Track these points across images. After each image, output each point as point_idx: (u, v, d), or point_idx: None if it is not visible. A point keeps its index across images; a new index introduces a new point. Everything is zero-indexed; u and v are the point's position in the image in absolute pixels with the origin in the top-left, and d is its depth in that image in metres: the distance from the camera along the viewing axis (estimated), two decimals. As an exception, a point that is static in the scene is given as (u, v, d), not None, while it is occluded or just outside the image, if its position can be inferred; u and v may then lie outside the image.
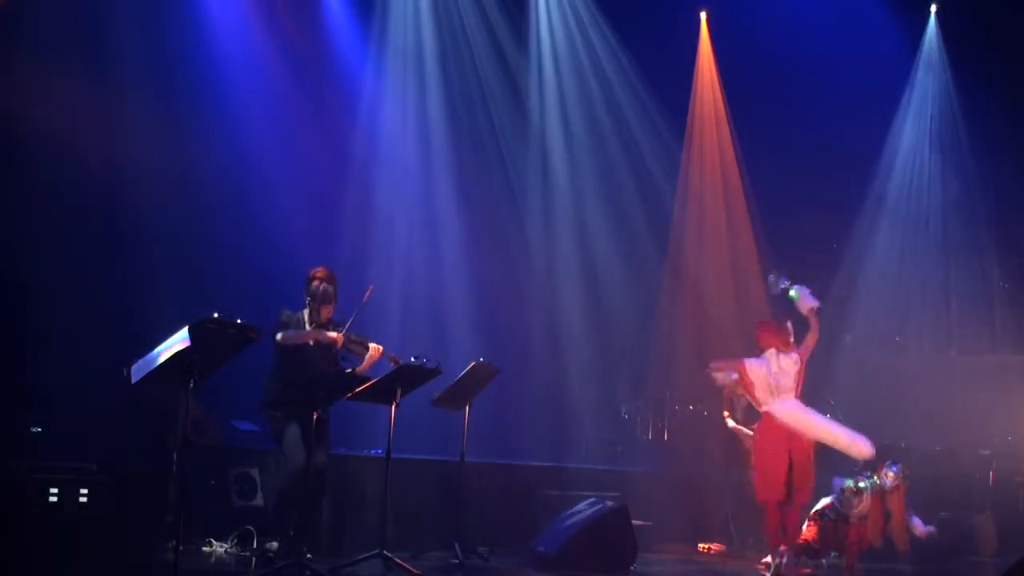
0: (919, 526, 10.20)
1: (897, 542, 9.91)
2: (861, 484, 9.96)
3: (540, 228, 12.86)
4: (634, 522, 9.30)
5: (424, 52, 12.29)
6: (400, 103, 12.18)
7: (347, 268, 10.06)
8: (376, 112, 12.06)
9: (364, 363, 8.25)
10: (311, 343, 8.14)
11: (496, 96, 12.58)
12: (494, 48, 12.57)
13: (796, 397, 9.02)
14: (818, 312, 9.15)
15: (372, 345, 8.27)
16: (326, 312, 8.29)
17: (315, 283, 8.26)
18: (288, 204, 10.71)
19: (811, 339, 9.17)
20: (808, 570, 9.27)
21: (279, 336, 8.09)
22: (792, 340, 9.12)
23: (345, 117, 11.75)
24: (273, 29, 11.04)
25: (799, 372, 9.07)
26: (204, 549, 8.49)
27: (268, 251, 10.44)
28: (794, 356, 9.11)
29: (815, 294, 9.23)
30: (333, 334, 8.12)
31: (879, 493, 9.88)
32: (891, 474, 9.81)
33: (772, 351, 9.12)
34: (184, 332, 6.14)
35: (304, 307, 8.25)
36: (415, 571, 7.87)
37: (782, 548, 8.96)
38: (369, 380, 8.04)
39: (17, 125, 9.13)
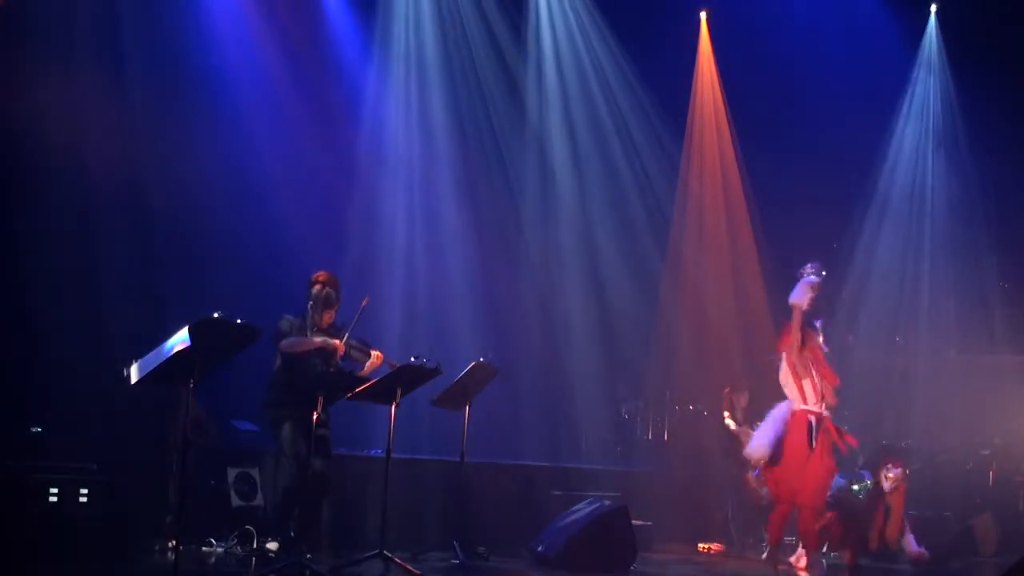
0: (912, 544, 10.18)
1: (890, 542, 9.90)
2: (855, 487, 9.96)
3: (541, 228, 12.85)
4: (634, 522, 9.30)
5: (425, 54, 12.28)
6: (403, 105, 12.16)
7: (349, 268, 10.09)
8: (379, 113, 12.05)
9: (365, 369, 8.26)
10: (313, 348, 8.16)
11: (496, 97, 12.56)
12: (494, 48, 12.56)
13: (804, 397, 8.93)
14: (799, 310, 8.90)
15: (373, 352, 8.28)
16: (328, 317, 8.29)
17: (317, 287, 8.25)
18: (290, 204, 10.70)
19: (784, 335, 9.03)
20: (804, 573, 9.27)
21: (281, 345, 8.09)
22: (819, 341, 8.97)
23: (348, 118, 11.74)
24: (275, 32, 11.01)
25: (790, 373, 8.99)
26: (204, 549, 8.49)
27: (270, 251, 10.43)
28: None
29: (815, 292, 9.00)
30: (335, 341, 8.11)
31: (879, 494, 9.87)
32: (891, 476, 9.79)
33: (783, 354, 9.07)
34: (184, 332, 6.15)
35: (306, 310, 8.24)
36: (415, 571, 7.87)
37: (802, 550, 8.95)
38: (369, 380, 8.05)
39: (18, 126, 9.12)
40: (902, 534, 10.14)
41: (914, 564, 10.13)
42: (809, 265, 9.11)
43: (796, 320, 8.88)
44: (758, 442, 9.02)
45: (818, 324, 9.06)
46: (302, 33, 11.35)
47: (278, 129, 10.86)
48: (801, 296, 8.88)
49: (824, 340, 9.04)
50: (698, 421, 12.06)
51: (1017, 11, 12.46)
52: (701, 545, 10.74)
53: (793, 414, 8.91)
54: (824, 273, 9.12)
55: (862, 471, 10.58)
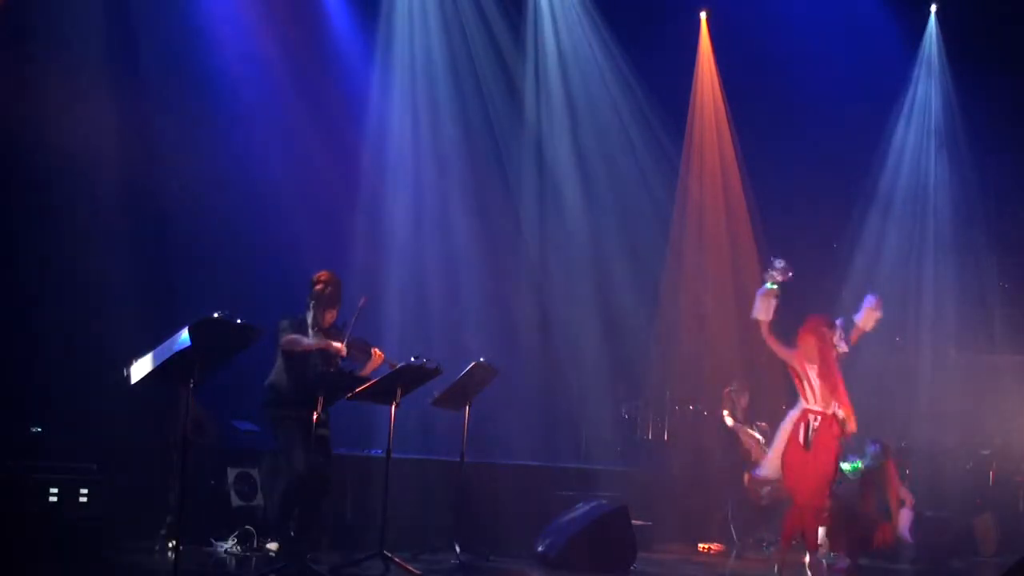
0: (905, 522, 10.13)
1: (890, 533, 9.82)
2: (845, 466, 9.92)
3: (541, 228, 12.85)
4: (634, 522, 9.30)
5: (427, 55, 12.29)
6: (407, 106, 12.17)
7: (351, 268, 10.09)
8: (382, 115, 12.06)
9: (365, 369, 8.25)
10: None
11: (497, 97, 12.56)
12: (493, 48, 12.56)
13: (804, 397, 8.92)
14: (764, 324, 8.84)
15: (374, 352, 8.28)
16: (329, 316, 8.27)
17: (319, 287, 8.23)
18: (292, 204, 10.73)
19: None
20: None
21: (282, 342, 8.07)
22: (834, 340, 8.88)
23: (352, 119, 11.75)
24: (278, 34, 11.02)
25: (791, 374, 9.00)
26: (204, 549, 8.49)
27: (272, 251, 10.44)
28: None
29: (775, 297, 8.81)
30: (337, 344, 8.10)
31: (868, 478, 9.78)
32: (870, 451, 9.74)
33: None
34: (184, 332, 6.15)
35: (307, 310, 8.23)
36: (415, 571, 7.88)
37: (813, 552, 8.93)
38: (369, 380, 8.05)
39: (18, 127, 9.13)
40: (898, 506, 10.02)
41: (907, 557, 10.14)
42: (774, 262, 8.97)
43: (764, 333, 8.83)
44: (771, 463, 9.02)
45: (838, 323, 8.98)
46: (305, 35, 11.37)
47: (281, 130, 10.88)
48: (759, 310, 8.81)
49: (843, 339, 8.92)
50: (698, 421, 12.06)
51: (1017, 11, 12.46)
52: (701, 545, 10.74)
53: (798, 413, 8.92)
54: (789, 273, 8.93)
55: (851, 456, 10.53)
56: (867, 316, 8.98)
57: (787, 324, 9.06)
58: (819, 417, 8.76)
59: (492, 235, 12.39)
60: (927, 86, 13.95)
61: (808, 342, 8.75)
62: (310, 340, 8.09)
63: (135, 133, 9.83)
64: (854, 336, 8.94)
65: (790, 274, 8.85)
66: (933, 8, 13.81)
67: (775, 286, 8.77)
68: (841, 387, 8.73)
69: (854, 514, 9.59)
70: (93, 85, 9.64)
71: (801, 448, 8.75)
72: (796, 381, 8.86)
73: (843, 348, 8.85)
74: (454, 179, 12.29)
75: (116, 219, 9.69)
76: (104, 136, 9.59)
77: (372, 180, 11.82)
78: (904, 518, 10.18)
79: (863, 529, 9.72)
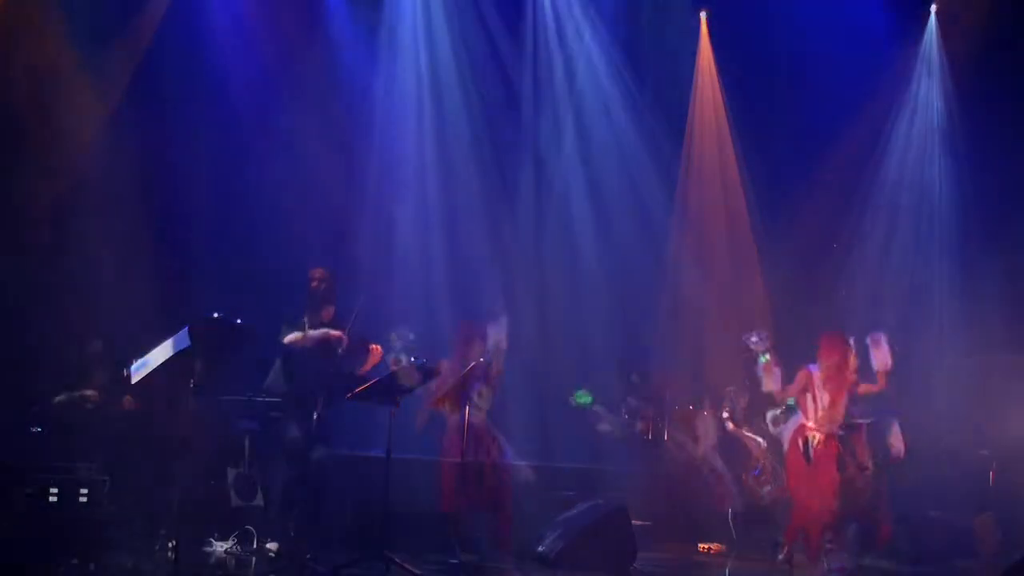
0: (897, 437, 10.08)
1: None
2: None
3: (543, 229, 12.85)
4: (634, 522, 9.30)
5: (429, 58, 12.32)
6: (409, 109, 12.20)
7: (353, 269, 10.09)
8: (386, 119, 12.08)
9: (366, 365, 8.26)
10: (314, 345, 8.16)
11: (497, 99, 12.57)
12: (494, 49, 12.57)
13: (806, 413, 9.05)
14: (778, 395, 9.18)
15: (372, 347, 8.29)
16: (327, 314, 8.29)
17: (313, 284, 8.26)
18: (295, 205, 10.75)
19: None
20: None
21: (285, 339, 8.08)
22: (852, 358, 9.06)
23: (356, 124, 11.79)
24: (280, 36, 11.05)
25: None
26: (204, 549, 8.49)
27: (273, 252, 10.46)
28: None
29: (775, 366, 9.24)
30: (336, 332, 8.12)
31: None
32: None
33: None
34: (184, 332, 6.17)
35: (305, 309, 8.24)
36: (415, 571, 7.88)
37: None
38: (368, 380, 8.06)
39: (18, 126, 9.15)
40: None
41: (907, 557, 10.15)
42: (750, 338, 9.28)
43: (780, 399, 9.39)
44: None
45: (851, 342, 9.15)
46: (308, 36, 11.40)
47: (284, 130, 10.91)
48: (767, 383, 9.14)
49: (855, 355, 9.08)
50: (698, 421, 12.04)
51: (1017, 11, 12.46)
52: (701, 545, 10.73)
53: (796, 426, 9.06)
54: (767, 341, 9.28)
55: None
56: (880, 357, 9.17)
57: (792, 325, 9.17)
58: (817, 435, 8.91)
59: (492, 234, 12.39)
60: (927, 86, 13.92)
61: (831, 360, 8.93)
62: (310, 332, 8.10)
63: (140, 136, 9.85)
64: (881, 380, 9.12)
65: (768, 341, 9.42)
66: (933, 8, 13.80)
67: (766, 358, 9.07)
68: (840, 400, 8.88)
69: (855, 513, 9.59)
70: (98, 84, 9.66)
71: (803, 463, 8.90)
72: (800, 397, 9.00)
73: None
74: (455, 179, 12.29)
75: (117, 219, 9.70)
76: (105, 136, 9.60)
77: (376, 180, 11.83)
78: (896, 436, 10.16)
79: (864, 529, 9.73)
